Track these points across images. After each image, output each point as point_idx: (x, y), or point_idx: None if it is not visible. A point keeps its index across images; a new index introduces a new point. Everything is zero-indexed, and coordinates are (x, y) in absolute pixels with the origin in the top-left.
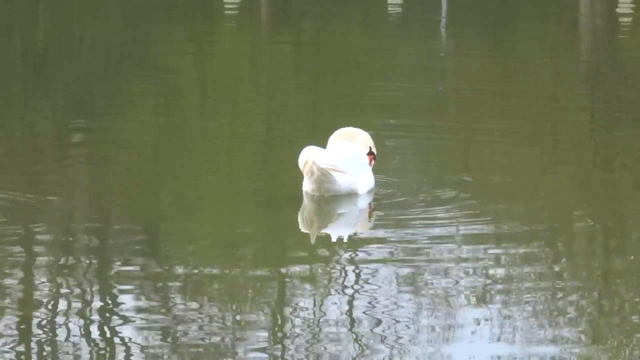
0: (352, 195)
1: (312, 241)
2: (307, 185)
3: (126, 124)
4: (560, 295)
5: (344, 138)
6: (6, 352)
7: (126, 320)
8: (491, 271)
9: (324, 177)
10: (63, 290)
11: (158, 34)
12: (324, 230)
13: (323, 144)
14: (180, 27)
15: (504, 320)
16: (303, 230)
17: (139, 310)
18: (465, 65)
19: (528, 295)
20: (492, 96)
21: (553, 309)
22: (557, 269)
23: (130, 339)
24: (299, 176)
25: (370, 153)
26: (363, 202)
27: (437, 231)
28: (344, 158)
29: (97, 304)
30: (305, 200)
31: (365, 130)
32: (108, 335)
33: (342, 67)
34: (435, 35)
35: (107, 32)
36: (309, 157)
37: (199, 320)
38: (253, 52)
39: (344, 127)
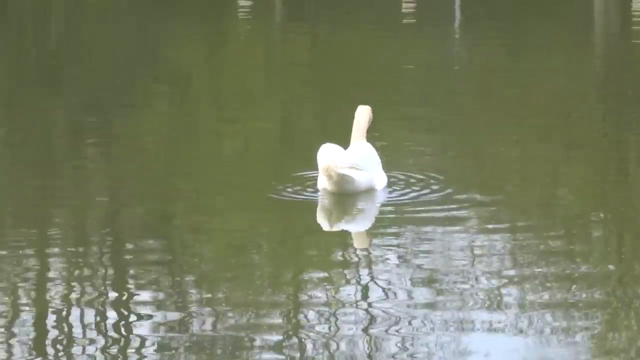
0: (369, 191)
1: (330, 229)
2: (326, 184)
3: (139, 121)
4: (576, 289)
5: (362, 120)
6: (22, 344)
7: (140, 314)
8: (506, 265)
9: (341, 180)
10: (76, 284)
11: (171, 32)
12: (341, 225)
13: (336, 140)
14: (194, 25)
15: (519, 314)
16: (321, 225)
17: (153, 304)
18: (479, 65)
19: (543, 289)
20: (506, 96)
21: (569, 303)
22: (573, 263)
23: (143, 332)
24: (315, 171)
25: None
26: (380, 198)
27: (451, 226)
28: (362, 156)
29: (111, 298)
30: (322, 196)
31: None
32: (122, 329)
33: (356, 63)
34: (449, 34)
35: (120, 28)
36: (329, 161)
37: (214, 314)
38: (267, 49)
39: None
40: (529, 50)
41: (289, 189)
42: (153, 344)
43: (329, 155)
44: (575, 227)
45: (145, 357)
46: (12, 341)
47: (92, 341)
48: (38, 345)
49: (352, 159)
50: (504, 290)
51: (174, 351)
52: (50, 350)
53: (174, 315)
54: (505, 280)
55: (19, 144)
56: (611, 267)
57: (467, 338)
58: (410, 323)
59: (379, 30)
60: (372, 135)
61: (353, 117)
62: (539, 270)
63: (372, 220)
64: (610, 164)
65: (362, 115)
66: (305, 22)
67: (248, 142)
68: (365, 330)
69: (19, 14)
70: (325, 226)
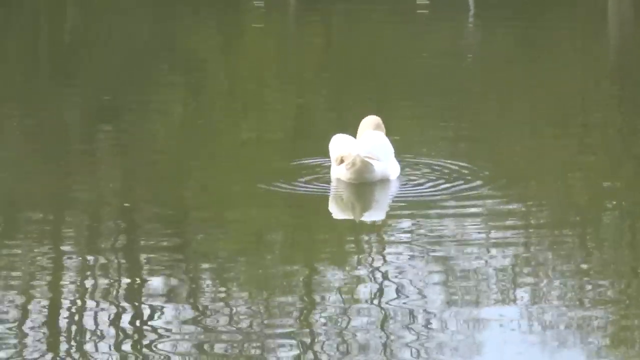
0: (384, 181)
1: (346, 219)
2: (342, 174)
3: (154, 112)
4: (590, 283)
5: (373, 125)
6: (34, 338)
7: (153, 306)
8: (521, 259)
9: (364, 168)
10: (90, 275)
11: (187, 23)
12: (358, 215)
13: (351, 128)
14: (209, 16)
15: (533, 309)
16: (336, 215)
17: (167, 295)
18: (494, 57)
19: (558, 284)
20: (520, 86)
21: (583, 298)
22: (587, 257)
23: (157, 324)
24: (327, 164)
25: None
26: (394, 188)
27: (465, 218)
28: (378, 146)
29: (124, 289)
30: (336, 186)
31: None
32: (136, 321)
33: (370, 58)
34: (463, 26)
35: (135, 24)
36: (352, 150)
37: (227, 306)
38: (281, 45)
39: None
40: (543, 39)
41: (303, 179)
42: (167, 336)
43: (346, 145)
44: (591, 220)
45: (158, 349)
46: (26, 332)
47: (105, 333)
48: (51, 336)
49: (369, 148)
50: (517, 285)
51: (188, 343)
52: (63, 341)
53: (187, 307)
54: (519, 275)
55: (33, 135)
56: (627, 261)
57: (481, 333)
58: (423, 317)
59: (393, 20)
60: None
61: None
62: (554, 264)
63: (386, 211)
64: (626, 154)
65: (366, 128)
66: (319, 13)
67: (262, 133)
68: (378, 324)
69: (34, 6)
70: (341, 217)
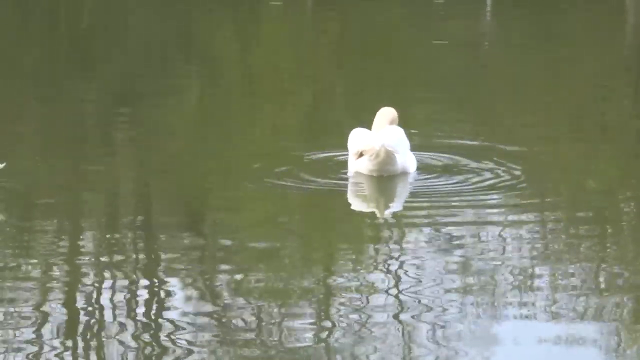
0: (403, 174)
1: (367, 212)
2: (363, 166)
3: (171, 103)
4: (605, 277)
5: (389, 118)
6: (52, 333)
7: (171, 298)
8: (537, 251)
9: (388, 159)
10: (107, 268)
11: (202, 20)
12: (378, 208)
13: (368, 120)
14: (225, 13)
15: (549, 301)
16: (356, 208)
17: (184, 287)
18: (510, 50)
19: (573, 277)
20: (537, 82)
21: (598, 291)
22: (602, 250)
23: (175, 317)
24: (343, 156)
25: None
26: (412, 181)
27: (483, 209)
28: (398, 140)
29: (141, 280)
30: (354, 179)
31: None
32: (153, 313)
33: (386, 51)
34: (480, 19)
35: (151, 17)
36: (376, 142)
37: (245, 299)
38: (298, 38)
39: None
40: (560, 32)
41: (320, 173)
42: (183, 332)
43: (365, 139)
44: (606, 213)
45: (177, 341)
46: (43, 324)
47: (122, 325)
48: (69, 327)
49: (389, 142)
50: (534, 277)
51: (205, 335)
52: (79, 336)
53: (204, 300)
54: (535, 267)
55: (50, 125)
56: None
57: (497, 325)
58: (440, 309)
59: (410, 14)
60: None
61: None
62: (569, 256)
63: (406, 204)
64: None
65: (383, 119)
66: (336, 8)
67: (279, 125)
68: (395, 316)
69: (50, 2)
70: (362, 209)
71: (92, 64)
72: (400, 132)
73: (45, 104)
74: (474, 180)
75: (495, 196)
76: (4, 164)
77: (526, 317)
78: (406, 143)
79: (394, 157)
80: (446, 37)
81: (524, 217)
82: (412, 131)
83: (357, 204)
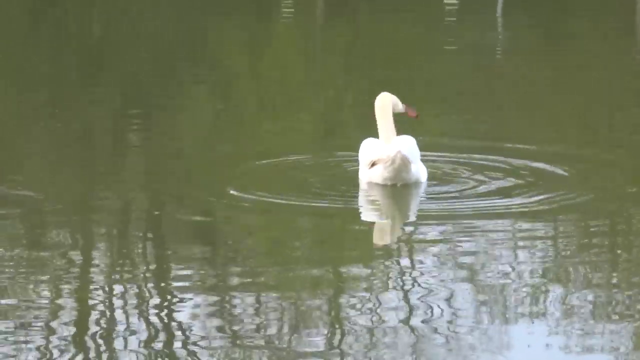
0: (415, 183)
1: (395, 225)
2: (376, 175)
3: (181, 116)
4: (618, 284)
5: (386, 103)
6: (64, 338)
7: (182, 301)
8: (549, 257)
9: (403, 166)
10: (120, 274)
11: (213, 25)
12: (391, 219)
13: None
14: (236, 19)
15: (559, 310)
16: (372, 219)
17: (195, 290)
18: (521, 58)
19: (584, 285)
20: (547, 90)
21: (611, 299)
22: (615, 257)
23: (185, 319)
24: (355, 165)
25: (407, 108)
26: (424, 190)
27: (495, 219)
28: (409, 148)
29: (152, 283)
30: (367, 190)
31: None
32: (164, 314)
33: (396, 57)
34: (491, 29)
35: (162, 23)
36: (393, 149)
37: (256, 301)
38: (307, 43)
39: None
40: (570, 39)
41: (330, 180)
42: (195, 330)
43: (377, 149)
44: (621, 221)
45: (188, 342)
46: (56, 331)
47: (134, 333)
48: (80, 335)
49: (404, 149)
50: (546, 283)
51: (215, 336)
52: (92, 341)
53: (215, 301)
54: (547, 272)
55: (61, 134)
56: None
57: (509, 332)
58: (452, 315)
59: (420, 20)
60: (413, 122)
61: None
62: (581, 264)
63: (418, 213)
64: None
65: (385, 108)
66: (346, 14)
67: (289, 132)
68: (407, 322)
69: (62, 7)
70: (374, 219)
71: (103, 73)
72: (412, 141)
73: (56, 114)
74: (487, 189)
75: (509, 204)
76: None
77: (537, 324)
78: (417, 153)
79: (409, 165)
80: (457, 44)
81: (537, 225)
82: (422, 138)
83: (370, 213)
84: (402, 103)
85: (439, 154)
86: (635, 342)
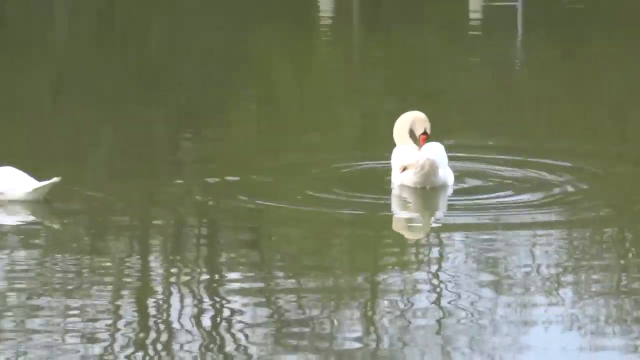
0: (443, 186)
1: (425, 225)
2: (408, 179)
3: (230, 126)
4: (634, 288)
5: (407, 122)
6: (124, 335)
7: (230, 296)
8: (567, 263)
9: (432, 171)
10: (174, 267)
11: (260, 40)
12: (421, 219)
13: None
14: (279, 35)
15: (576, 313)
16: (404, 217)
17: (242, 287)
18: (540, 71)
19: (600, 288)
20: (565, 100)
21: (626, 302)
22: (632, 262)
23: (233, 315)
24: (388, 170)
25: (424, 133)
26: (450, 193)
27: (519, 224)
28: (439, 154)
29: (204, 279)
30: (400, 192)
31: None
32: (214, 308)
33: (425, 68)
34: (512, 44)
35: (213, 39)
36: (424, 156)
37: (298, 298)
38: (346, 57)
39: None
40: (588, 57)
41: (367, 184)
42: (241, 327)
43: (408, 155)
44: (634, 228)
45: (237, 337)
46: (118, 328)
47: (187, 327)
48: (140, 332)
49: (433, 156)
50: (564, 287)
51: (259, 330)
52: (150, 337)
53: (260, 297)
54: (566, 277)
55: (121, 142)
56: None
57: (527, 334)
58: (473, 317)
59: (447, 36)
60: (442, 129)
61: (425, 112)
62: (599, 269)
63: (446, 214)
64: None
65: (400, 131)
66: (380, 28)
67: (329, 139)
68: (433, 321)
69: (124, 24)
70: (405, 217)
71: (160, 85)
72: (441, 148)
73: (116, 125)
74: (509, 190)
75: (530, 202)
76: (58, 179)
77: (554, 328)
78: (445, 158)
79: (437, 170)
80: (480, 57)
81: (560, 227)
82: (450, 142)
83: (402, 214)
84: (423, 134)
85: (466, 157)
86: None
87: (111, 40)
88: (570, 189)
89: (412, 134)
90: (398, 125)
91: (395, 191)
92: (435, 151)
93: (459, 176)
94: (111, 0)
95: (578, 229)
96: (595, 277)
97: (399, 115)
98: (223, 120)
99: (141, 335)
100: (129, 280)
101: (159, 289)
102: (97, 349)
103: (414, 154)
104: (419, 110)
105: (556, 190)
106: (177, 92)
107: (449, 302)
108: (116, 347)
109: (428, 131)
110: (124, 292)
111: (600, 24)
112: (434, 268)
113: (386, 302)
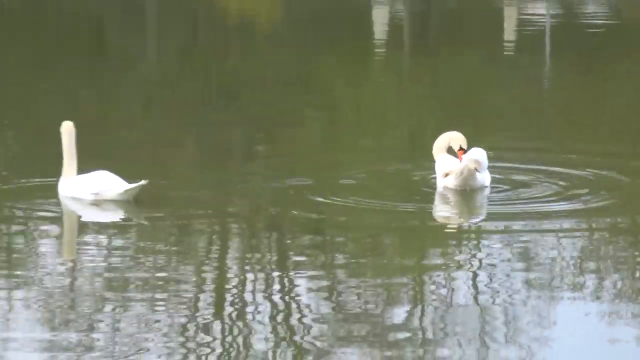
0: (482, 187)
1: (465, 222)
2: (450, 182)
3: (295, 135)
4: None
5: (444, 142)
6: (205, 310)
7: (295, 287)
8: (597, 262)
9: (470, 176)
10: (249, 261)
11: (322, 64)
12: (462, 215)
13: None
14: (339, 59)
15: (609, 316)
16: (446, 214)
17: (307, 281)
18: (566, 93)
19: (625, 287)
20: (592, 113)
21: None
22: None
23: (299, 302)
24: (434, 175)
25: (460, 149)
26: (489, 194)
27: (552, 221)
28: (482, 159)
29: (273, 271)
30: (443, 193)
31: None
32: (282, 297)
33: (467, 87)
34: (541, 69)
35: (282, 61)
36: (462, 164)
37: (356, 290)
38: (397, 78)
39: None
40: (613, 81)
41: (416, 186)
42: (306, 311)
43: (449, 163)
44: None
45: (303, 323)
46: (196, 309)
47: (261, 306)
48: (218, 301)
49: (478, 159)
50: (596, 282)
51: (326, 312)
52: (227, 332)
53: (325, 285)
54: (593, 279)
55: (201, 155)
56: None
57: (554, 329)
58: (505, 311)
59: (485, 60)
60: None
61: (466, 128)
62: (627, 272)
63: (484, 212)
64: None
65: (440, 145)
66: (427, 53)
67: (383, 149)
68: (473, 312)
69: (205, 49)
70: (448, 215)
71: (236, 99)
72: (483, 153)
73: (197, 135)
74: (542, 192)
75: (562, 203)
76: (146, 181)
77: (582, 329)
78: (485, 163)
79: (475, 175)
80: (514, 76)
81: (592, 227)
82: (489, 152)
83: (445, 210)
84: (460, 149)
85: (502, 164)
86: None
87: (194, 64)
88: (603, 195)
89: (450, 150)
90: (436, 145)
91: (439, 192)
92: (479, 154)
93: (498, 177)
94: (195, 30)
95: (610, 228)
96: (629, 278)
97: (441, 129)
98: (291, 131)
99: (216, 323)
100: (207, 269)
101: (234, 281)
102: (180, 332)
103: (454, 163)
104: (461, 123)
105: (586, 186)
106: (251, 107)
107: (487, 292)
108: (196, 330)
109: (464, 147)
110: (204, 282)
111: (616, 45)
112: (472, 261)
113: (431, 294)
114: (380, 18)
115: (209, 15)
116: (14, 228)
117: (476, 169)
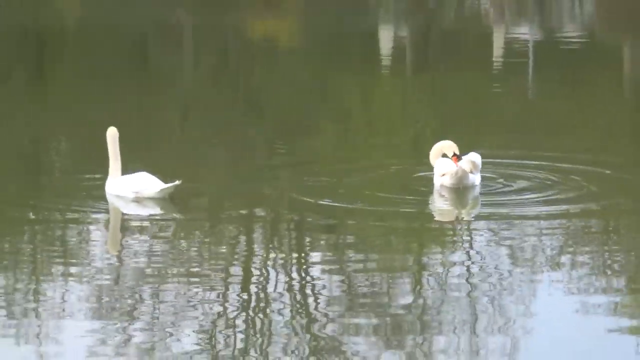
0: (474, 186)
1: (460, 215)
2: (446, 181)
3: (315, 140)
4: None
5: (439, 150)
6: (232, 298)
7: (311, 275)
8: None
9: (464, 176)
10: (272, 256)
11: (336, 77)
12: (456, 209)
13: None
14: (350, 72)
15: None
16: (443, 207)
17: (322, 268)
18: (547, 102)
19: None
20: (571, 125)
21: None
22: None
23: (316, 292)
24: (432, 174)
25: (454, 155)
26: (480, 192)
27: (542, 214)
28: (477, 162)
29: (292, 261)
30: (440, 190)
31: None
32: (298, 286)
33: (462, 99)
34: (525, 81)
35: (302, 76)
36: (458, 165)
37: (367, 277)
38: (402, 89)
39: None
40: (588, 91)
41: (416, 184)
42: (322, 299)
43: (446, 165)
44: None
45: (318, 310)
46: (227, 288)
47: (280, 292)
48: (245, 287)
49: (474, 160)
50: (579, 277)
51: (342, 303)
52: (252, 297)
53: (341, 279)
54: (582, 270)
55: (228, 154)
56: None
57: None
58: (492, 301)
59: (477, 75)
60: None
61: (464, 136)
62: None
63: (477, 207)
64: None
65: (435, 153)
66: (427, 69)
67: (389, 151)
68: (463, 295)
69: (234, 65)
70: (444, 208)
71: (260, 109)
72: (478, 157)
73: (226, 142)
74: (528, 187)
75: (546, 198)
76: (180, 181)
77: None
78: (479, 166)
79: (468, 175)
80: (502, 87)
81: (571, 217)
82: (481, 152)
83: (441, 205)
84: (454, 155)
85: (494, 165)
86: None
87: (225, 78)
88: (574, 187)
89: (445, 157)
90: (432, 153)
91: (436, 190)
92: (475, 158)
93: (490, 176)
94: (226, 49)
95: (585, 217)
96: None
97: (441, 134)
98: (309, 137)
99: (242, 314)
100: (235, 262)
101: (258, 270)
102: (209, 317)
103: (450, 165)
104: (458, 128)
105: (563, 188)
106: (273, 116)
107: (479, 275)
108: (225, 312)
109: (457, 152)
110: (232, 272)
111: (590, 61)
112: (465, 248)
113: (429, 277)
114: (386, 38)
115: (238, 36)
116: (68, 220)
117: (471, 171)
